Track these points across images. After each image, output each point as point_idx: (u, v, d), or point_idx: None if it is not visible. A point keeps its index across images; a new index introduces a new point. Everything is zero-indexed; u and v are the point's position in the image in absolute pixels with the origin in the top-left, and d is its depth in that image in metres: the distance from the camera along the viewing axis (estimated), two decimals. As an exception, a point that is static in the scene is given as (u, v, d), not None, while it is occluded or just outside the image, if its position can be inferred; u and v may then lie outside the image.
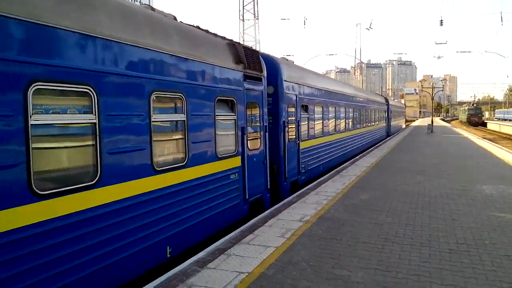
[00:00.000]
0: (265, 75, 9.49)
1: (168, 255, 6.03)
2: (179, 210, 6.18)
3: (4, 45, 3.61)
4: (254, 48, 10.70)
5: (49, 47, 4.06)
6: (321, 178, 13.33)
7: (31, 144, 3.84)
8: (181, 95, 6.25)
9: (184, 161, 6.35)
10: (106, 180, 4.77)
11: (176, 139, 6.30)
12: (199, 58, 6.76)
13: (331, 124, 16.19)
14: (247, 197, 8.44)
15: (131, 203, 5.19)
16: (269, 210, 9.07)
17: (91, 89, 4.56)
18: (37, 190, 3.90)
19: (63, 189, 4.22)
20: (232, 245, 6.58)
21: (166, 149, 6.11)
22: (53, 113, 4.19)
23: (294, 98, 11.73)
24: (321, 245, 6.56)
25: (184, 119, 6.34)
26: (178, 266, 5.73)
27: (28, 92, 3.81)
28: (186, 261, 5.93)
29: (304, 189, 11.52)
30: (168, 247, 5.99)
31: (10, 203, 3.65)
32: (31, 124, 3.84)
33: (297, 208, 9.09)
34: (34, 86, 3.88)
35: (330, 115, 16.00)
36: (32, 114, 3.86)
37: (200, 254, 6.19)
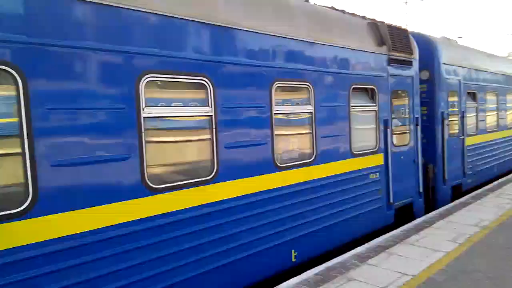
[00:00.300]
0: (417, 57, 8.06)
1: (294, 259, 5.53)
2: (304, 212, 5.62)
3: (116, 36, 3.63)
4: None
5: (161, 37, 3.99)
6: (504, 178, 11.42)
7: (144, 137, 3.82)
8: (308, 84, 5.64)
9: (311, 157, 5.73)
10: (223, 176, 4.55)
11: (302, 133, 5.73)
12: (331, 42, 6.03)
13: (510, 116, 13.13)
14: (391, 201, 7.29)
15: (250, 201, 4.86)
16: (437, 211, 8.25)
17: (207, 80, 4.38)
18: (150, 184, 3.87)
19: (177, 183, 4.13)
20: (395, 244, 6.31)
21: (291, 144, 5.61)
22: (166, 105, 4.13)
23: (457, 84, 9.76)
24: (503, 256, 5.69)
25: (311, 111, 5.72)
26: (337, 258, 5.75)
27: (140, 84, 3.79)
28: (345, 254, 5.91)
29: (482, 189, 10.08)
30: (293, 250, 5.50)
31: (123, 196, 3.68)
32: (143, 117, 3.82)
33: (472, 211, 8.12)
34: (147, 78, 3.85)
35: (509, 105, 12.98)
36: (145, 106, 3.84)
37: (360, 249, 6.11)
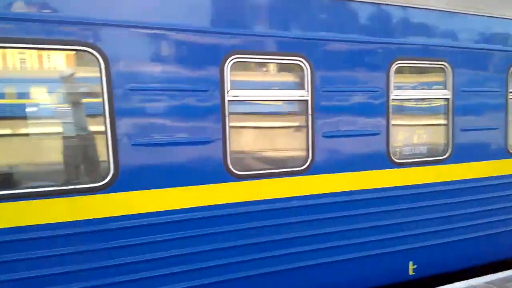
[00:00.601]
0: None
1: (412, 273, 4.66)
2: (429, 219, 4.64)
3: (200, 15, 3.53)
4: None
5: (249, 15, 3.74)
6: None
7: (228, 121, 3.68)
8: (444, 63, 4.56)
9: (445, 154, 4.66)
10: (319, 168, 4.08)
11: (432, 124, 4.71)
12: (478, 10, 4.73)
13: None
14: None
15: (353, 199, 4.25)
16: None
17: (304, 60, 3.94)
18: (233, 170, 3.73)
19: (263, 172, 3.88)
20: None
21: (415, 137, 4.67)
22: (254, 88, 3.88)
23: None
24: None
25: (447, 96, 4.63)
26: None
27: (226, 66, 3.64)
28: None
29: None
30: (411, 263, 4.63)
31: (203, 180, 3.64)
32: (228, 100, 3.67)
33: None
34: (233, 59, 3.68)
35: None
36: (230, 89, 3.68)
37: None
